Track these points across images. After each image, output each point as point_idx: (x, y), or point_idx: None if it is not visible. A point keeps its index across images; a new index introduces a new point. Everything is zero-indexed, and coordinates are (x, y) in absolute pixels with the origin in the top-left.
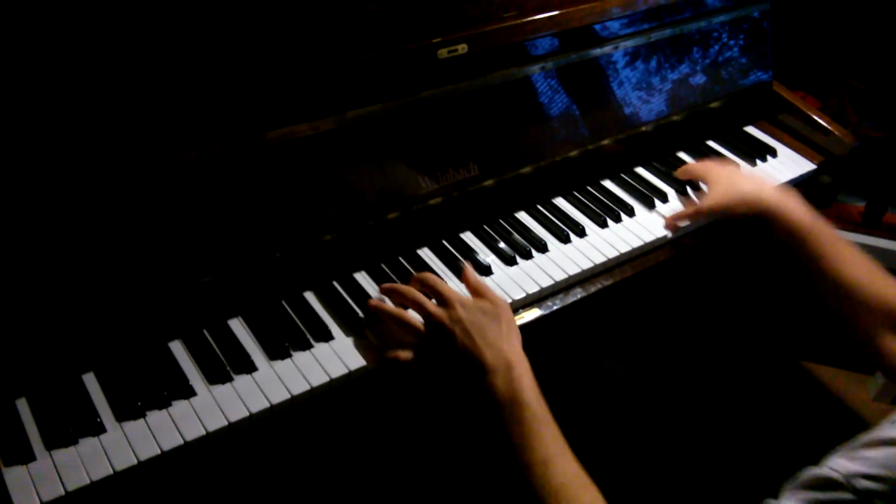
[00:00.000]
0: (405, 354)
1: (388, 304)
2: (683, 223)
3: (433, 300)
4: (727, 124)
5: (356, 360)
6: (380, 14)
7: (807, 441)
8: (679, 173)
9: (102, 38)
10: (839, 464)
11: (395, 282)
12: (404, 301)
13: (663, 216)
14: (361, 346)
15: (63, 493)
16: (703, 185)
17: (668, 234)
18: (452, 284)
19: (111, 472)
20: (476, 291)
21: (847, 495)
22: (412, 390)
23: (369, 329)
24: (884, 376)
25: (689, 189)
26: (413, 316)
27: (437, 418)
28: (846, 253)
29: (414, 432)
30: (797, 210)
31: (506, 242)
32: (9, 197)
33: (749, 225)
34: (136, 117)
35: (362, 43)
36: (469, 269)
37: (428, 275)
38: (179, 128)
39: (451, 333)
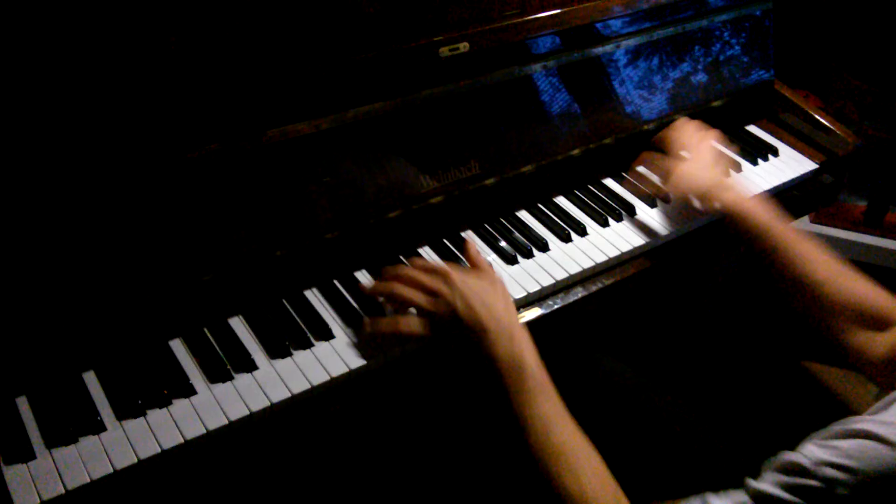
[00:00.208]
0: (409, 328)
1: (382, 282)
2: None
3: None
4: (729, 123)
5: (357, 359)
6: (381, 12)
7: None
8: (639, 163)
9: (106, 38)
10: (810, 450)
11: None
12: (400, 281)
13: (665, 213)
14: (362, 345)
15: (63, 491)
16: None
17: (671, 233)
18: None
19: (111, 470)
20: (475, 264)
21: (813, 482)
22: (413, 388)
23: (368, 319)
24: (857, 371)
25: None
26: (412, 295)
27: (437, 416)
28: (808, 250)
29: (414, 431)
30: (757, 208)
31: (507, 241)
32: (10, 194)
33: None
34: (137, 116)
35: (363, 41)
36: (471, 242)
37: (417, 259)
38: (181, 126)
39: (453, 304)
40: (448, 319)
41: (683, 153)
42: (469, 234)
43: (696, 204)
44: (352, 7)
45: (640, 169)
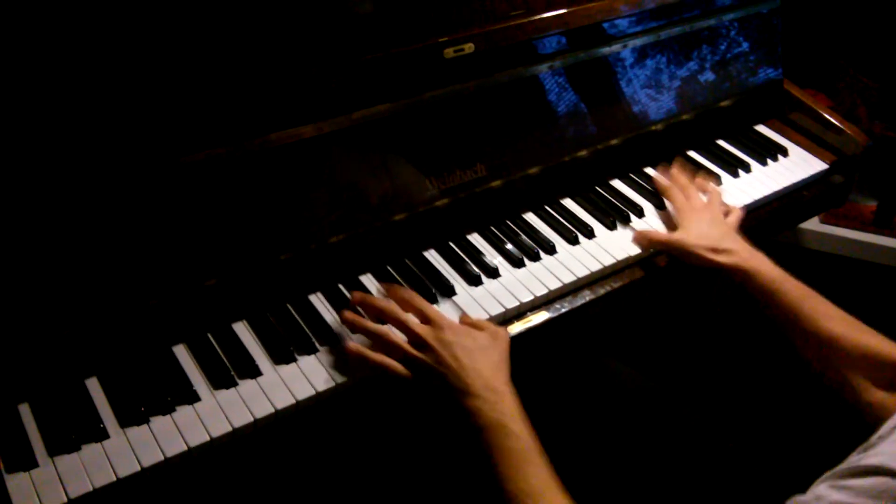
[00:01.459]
0: (394, 370)
1: (367, 320)
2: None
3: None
4: (738, 123)
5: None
6: (385, 13)
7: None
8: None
9: (105, 40)
10: (825, 492)
11: (401, 284)
12: (382, 316)
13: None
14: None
15: (66, 500)
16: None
17: None
18: (460, 287)
19: (114, 479)
20: (473, 325)
21: None
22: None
23: (354, 346)
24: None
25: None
26: (394, 334)
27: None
28: (820, 307)
29: (420, 437)
30: (765, 267)
31: (513, 244)
32: (11, 200)
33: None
34: (141, 120)
35: (367, 42)
36: (465, 315)
37: (410, 293)
38: (185, 130)
39: (436, 353)
40: (433, 374)
41: (680, 205)
42: (475, 237)
43: (703, 255)
44: (356, 8)
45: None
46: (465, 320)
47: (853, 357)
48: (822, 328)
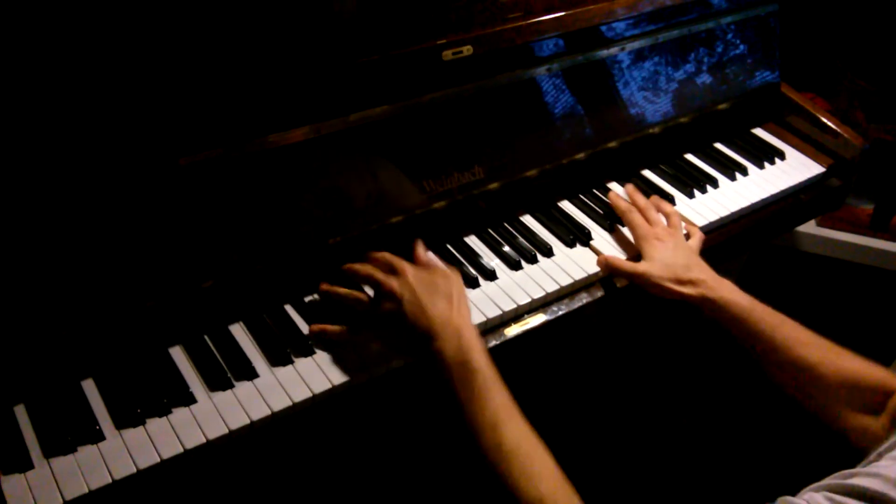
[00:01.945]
0: (355, 336)
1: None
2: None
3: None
4: (735, 126)
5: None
6: (383, 15)
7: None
8: (612, 201)
9: (104, 41)
10: (818, 501)
11: None
12: (357, 278)
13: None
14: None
15: (61, 502)
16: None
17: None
18: None
19: (110, 480)
20: (427, 264)
21: None
22: (416, 396)
23: (316, 327)
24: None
25: (695, 191)
26: (365, 292)
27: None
28: (794, 333)
29: (418, 438)
30: (734, 296)
31: (511, 246)
32: (8, 201)
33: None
34: (139, 121)
35: (366, 44)
36: (419, 244)
37: (382, 253)
38: (183, 131)
39: (400, 300)
40: (395, 315)
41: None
42: (472, 240)
43: (669, 287)
44: (354, 10)
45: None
46: (419, 248)
47: (832, 383)
48: (797, 356)
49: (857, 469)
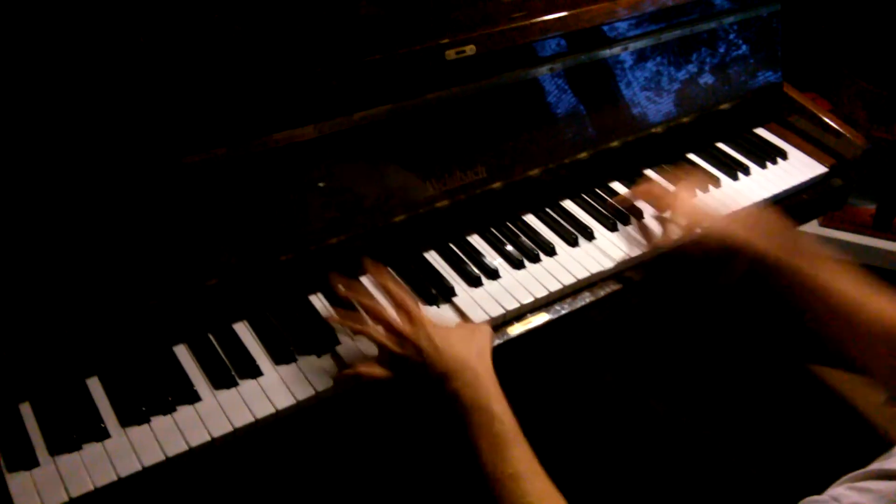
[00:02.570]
0: (370, 371)
1: (349, 318)
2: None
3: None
4: (737, 126)
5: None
6: (386, 15)
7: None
8: (631, 195)
9: (107, 41)
10: (844, 495)
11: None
12: (366, 312)
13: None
14: (367, 352)
15: (67, 499)
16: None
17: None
18: (460, 289)
19: (115, 478)
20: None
21: None
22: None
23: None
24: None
25: (696, 191)
26: (374, 333)
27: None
28: (837, 269)
29: (422, 436)
30: (775, 232)
31: (513, 245)
32: (12, 200)
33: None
34: (143, 120)
35: (369, 44)
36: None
37: (396, 287)
38: (187, 130)
39: (414, 345)
40: (415, 366)
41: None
42: (475, 238)
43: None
44: (357, 9)
45: (638, 203)
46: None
47: (871, 323)
48: (839, 290)
49: (890, 457)
